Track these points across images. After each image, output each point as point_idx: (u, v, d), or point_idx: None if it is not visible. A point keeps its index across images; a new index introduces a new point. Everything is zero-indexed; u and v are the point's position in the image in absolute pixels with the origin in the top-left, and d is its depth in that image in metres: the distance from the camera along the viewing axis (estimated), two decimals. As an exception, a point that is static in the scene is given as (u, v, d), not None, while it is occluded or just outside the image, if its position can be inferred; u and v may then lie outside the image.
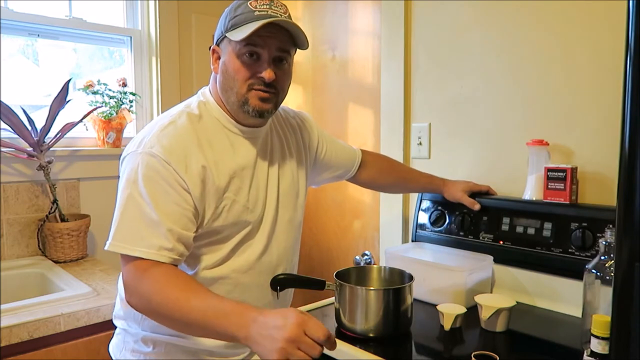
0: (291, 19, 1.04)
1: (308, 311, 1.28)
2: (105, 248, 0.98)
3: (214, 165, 1.03)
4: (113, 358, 1.18)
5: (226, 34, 1.02)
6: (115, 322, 1.19)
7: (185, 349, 1.11)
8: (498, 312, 1.15)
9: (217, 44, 1.07)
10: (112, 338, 1.23)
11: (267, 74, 1.01)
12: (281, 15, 1.01)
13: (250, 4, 1.01)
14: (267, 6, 1.01)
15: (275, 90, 1.05)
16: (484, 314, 1.16)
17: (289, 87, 1.10)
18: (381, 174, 1.48)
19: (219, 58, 1.07)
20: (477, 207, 1.44)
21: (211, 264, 1.07)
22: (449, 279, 1.31)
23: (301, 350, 0.76)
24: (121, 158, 1.05)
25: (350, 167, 1.40)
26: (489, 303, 1.16)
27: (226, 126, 1.08)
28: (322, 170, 1.35)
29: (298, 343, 0.77)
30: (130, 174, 0.98)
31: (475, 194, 1.46)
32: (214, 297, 0.88)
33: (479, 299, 1.19)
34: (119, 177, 1.05)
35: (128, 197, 0.97)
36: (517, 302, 1.36)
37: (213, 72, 1.10)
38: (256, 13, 0.99)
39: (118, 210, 0.99)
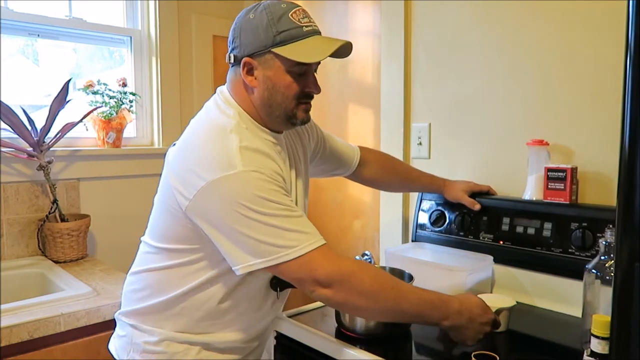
0: None
1: (307, 311, 1.28)
2: (283, 260, 0.93)
3: (281, 171, 1.03)
4: (116, 359, 1.16)
5: (273, 49, 0.99)
6: (124, 320, 1.15)
7: (203, 346, 1.11)
8: (498, 312, 1.15)
9: (251, 56, 1.01)
10: (110, 338, 1.21)
11: (316, 89, 1.06)
12: (317, 27, 1.03)
13: (292, 16, 0.99)
14: (307, 19, 1.02)
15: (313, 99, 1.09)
16: None
17: None
18: (383, 172, 1.48)
19: (250, 69, 1.02)
20: (477, 207, 1.44)
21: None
22: (449, 279, 1.31)
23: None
24: (197, 185, 0.95)
25: (348, 165, 1.41)
26: (489, 303, 1.16)
27: (263, 136, 1.06)
28: (321, 167, 1.37)
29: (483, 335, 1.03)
30: (245, 195, 0.93)
31: (475, 194, 1.46)
32: (419, 289, 1.02)
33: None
34: (192, 206, 0.98)
35: (266, 214, 0.93)
36: (517, 302, 1.36)
37: (243, 82, 1.05)
38: (305, 29, 1.00)
39: (258, 230, 0.93)
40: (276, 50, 0.99)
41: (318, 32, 1.02)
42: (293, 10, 1.00)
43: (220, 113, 1.06)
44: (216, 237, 0.97)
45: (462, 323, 1.01)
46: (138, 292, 1.12)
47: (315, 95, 1.09)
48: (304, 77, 1.04)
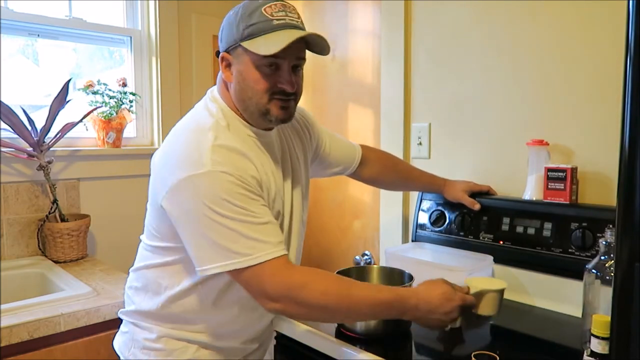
0: (302, 21, 1.03)
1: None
2: (233, 268, 0.93)
3: (262, 172, 1.03)
4: (121, 356, 1.18)
5: (242, 43, 0.98)
6: (125, 318, 1.18)
7: (201, 345, 1.13)
8: (479, 294, 1.11)
9: (228, 51, 1.02)
10: (115, 335, 1.23)
11: (289, 86, 1.01)
12: (297, 22, 1.00)
13: (265, 10, 0.98)
14: (283, 13, 0.98)
15: (294, 97, 1.05)
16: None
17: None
18: (383, 171, 1.47)
19: (229, 65, 1.04)
20: (477, 207, 1.44)
21: None
22: (449, 279, 1.30)
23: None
24: (169, 182, 0.97)
25: (350, 163, 1.40)
26: (476, 284, 1.13)
27: (248, 133, 1.06)
28: (322, 166, 1.36)
29: (457, 318, 1.03)
30: (210, 196, 0.93)
31: (475, 194, 1.46)
32: (373, 289, 1.01)
33: (469, 280, 1.16)
34: (165, 204, 0.99)
35: (227, 217, 0.93)
36: (516, 302, 1.36)
37: (223, 78, 1.07)
38: (274, 22, 0.97)
39: (220, 234, 0.93)
40: (244, 44, 0.98)
41: (294, 26, 0.98)
42: (268, 5, 0.98)
43: (204, 111, 1.06)
44: (182, 235, 0.98)
45: (421, 316, 1.00)
46: (137, 290, 1.14)
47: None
48: (277, 72, 1.01)
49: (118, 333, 1.22)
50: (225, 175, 0.94)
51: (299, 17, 1.01)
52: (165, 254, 1.08)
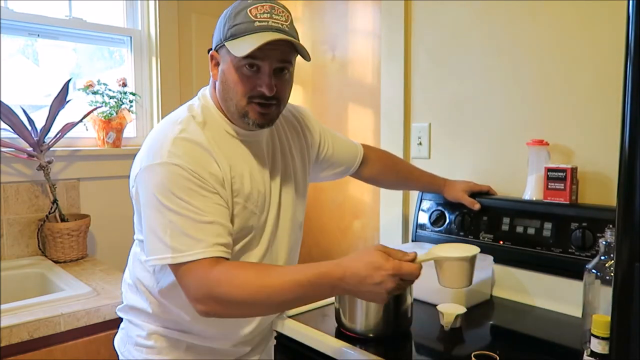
0: (293, 24, 1.01)
1: (307, 311, 1.28)
2: (163, 263, 0.94)
3: (228, 170, 1.02)
4: (119, 353, 1.20)
5: (225, 43, 0.98)
6: (121, 315, 1.21)
7: (189, 345, 1.13)
8: (438, 261, 0.95)
9: (216, 50, 1.03)
10: (116, 332, 1.25)
11: (268, 89, 0.98)
12: (282, 25, 0.97)
13: (250, 11, 0.96)
14: (268, 14, 0.96)
15: (276, 101, 1.02)
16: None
17: (290, 94, 1.07)
18: (384, 171, 1.47)
19: (217, 64, 1.04)
20: (477, 206, 1.44)
21: None
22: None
23: (401, 289, 0.89)
24: (136, 170, 1.01)
25: (352, 163, 1.39)
26: (436, 251, 0.96)
27: (228, 131, 1.07)
28: (324, 167, 1.34)
29: (398, 289, 0.87)
30: (157, 187, 0.95)
31: (475, 194, 1.46)
32: (293, 272, 0.90)
33: (434, 248, 0.99)
34: (131, 192, 1.05)
35: (167, 209, 0.93)
36: (516, 302, 1.36)
37: (211, 78, 1.08)
38: (256, 24, 0.95)
39: (159, 224, 0.94)
40: (227, 44, 0.98)
41: (276, 29, 0.96)
42: (254, 6, 0.97)
43: (185, 106, 1.08)
44: (142, 223, 1.01)
45: (351, 289, 0.88)
46: (130, 286, 1.17)
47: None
48: (257, 74, 0.99)
49: (119, 330, 1.25)
50: (177, 168, 0.94)
51: (286, 20, 0.99)
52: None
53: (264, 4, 0.97)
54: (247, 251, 1.08)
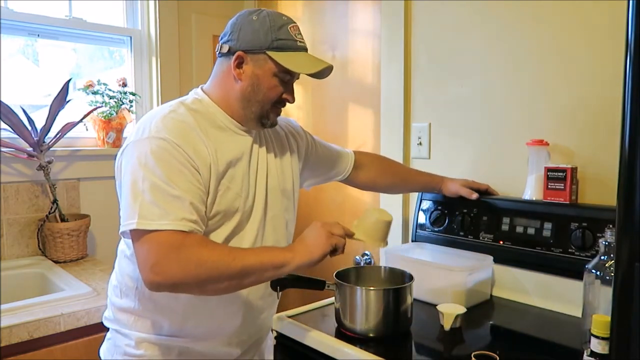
0: None
1: (307, 311, 1.28)
2: (128, 228, 0.95)
3: (214, 152, 1.06)
4: None
5: (268, 52, 1.06)
6: (108, 324, 1.19)
7: (181, 350, 1.13)
8: (359, 225, 1.16)
9: (246, 52, 1.07)
10: (102, 342, 1.23)
11: (293, 98, 1.14)
12: (306, 45, 1.12)
13: (290, 29, 1.09)
14: (300, 36, 1.11)
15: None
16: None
17: None
18: (381, 173, 1.48)
19: (240, 64, 1.08)
20: (474, 196, 1.43)
21: None
22: (449, 279, 1.31)
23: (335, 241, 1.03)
24: (122, 148, 1.06)
25: (343, 166, 1.43)
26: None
27: (219, 122, 1.11)
28: (314, 171, 1.38)
29: (332, 237, 1.03)
30: (140, 157, 0.98)
31: (474, 190, 1.46)
32: (252, 249, 1.05)
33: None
34: (116, 166, 1.08)
35: (143, 178, 0.96)
36: (517, 302, 1.36)
37: (224, 74, 1.11)
38: (299, 43, 1.09)
39: (133, 192, 0.97)
40: (271, 53, 1.06)
41: (307, 50, 1.12)
42: (291, 25, 1.10)
43: (176, 100, 1.13)
44: (121, 195, 1.02)
45: (302, 246, 1.01)
46: (115, 289, 1.17)
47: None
48: (286, 85, 1.12)
49: (104, 340, 1.22)
50: (162, 142, 0.99)
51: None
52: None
53: (294, 24, 1.11)
54: (236, 234, 1.11)
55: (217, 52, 1.14)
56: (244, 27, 1.08)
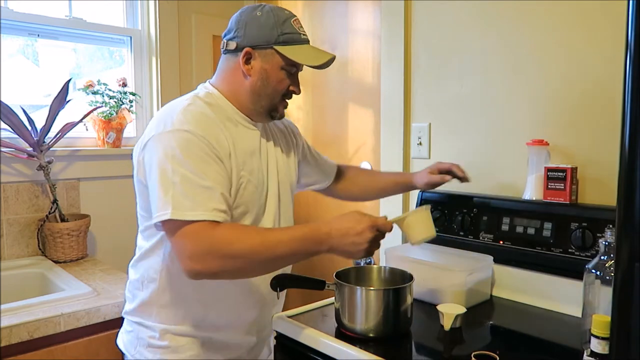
0: None
1: (307, 311, 1.28)
2: (161, 219, 0.97)
3: (233, 144, 1.09)
4: (128, 355, 1.20)
5: (275, 47, 1.09)
6: (129, 318, 1.21)
7: (204, 339, 1.16)
8: (402, 220, 1.12)
9: (253, 47, 1.10)
10: (118, 335, 1.26)
11: (298, 89, 1.17)
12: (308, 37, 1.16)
13: (293, 23, 1.12)
14: (302, 29, 1.15)
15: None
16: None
17: None
18: (353, 181, 1.51)
19: (249, 59, 1.11)
20: (447, 178, 1.36)
21: None
22: (449, 279, 1.31)
23: (377, 242, 1.02)
24: (142, 143, 1.07)
25: (326, 176, 1.46)
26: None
27: (230, 116, 1.14)
28: (301, 175, 1.40)
29: (375, 240, 1.01)
30: (167, 150, 1.00)
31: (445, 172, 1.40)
32: (285, 230, 1.06)
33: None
34: (135, 162, 1.08)
35: (173, 171, 0.98)
36: (517, 302, 1.36)
37: (231, 69, 1.14)
38: (302, 36, 1.13)
39: (163, 184, 0.98)
40: (278, 48, 1.10)
41: (309, 42, 1.15)
42: (294, 19, 1.13)
43: (188, 94, 1.15)
44: (148, 188, 1.03)
45: (335, 243, 1.00)
46: (137, 283, 1.18)
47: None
48: (292, 77, 1.15)
49: (122, 331, 1.24)
50: (187, 134, 1.01)
51: None
52: (151, 235, 1.12)
53: (295, 18, 1.14)
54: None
55: (223, 49, 1.15)
56: (249, 23, 1.11)
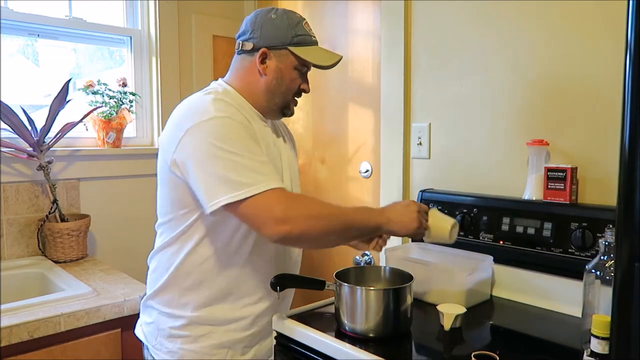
0: None
1: (307, 311, 1.28)
2: (243, 197, 1.00)
3: (256, 134, 1.14)
4: (149, 344, 1.23)
5: (289, 47, 1.16)
6: (150, 306, 1.23)
7: (224, 330, 1.19)
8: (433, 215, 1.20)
9: (269, 48, 1.17)
10: (136, 324, 1.30)
11: (309, 89, 1.24)
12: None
13: (304, 25, 1.20)
14: (312, 30, 1.22)
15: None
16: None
17: None
18: None
19: (264, 59, 1.17)
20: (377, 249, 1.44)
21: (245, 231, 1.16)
22: (449, 279, 1.31)
23: (422, 214, 1.16)
24: (179, 135, 1.07)
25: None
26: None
27: (249, 112, 1.19)
28: None
29: (420, 212, 1.15)
30: (217, 135, 1.04)
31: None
32: (350, 207, 1.13)
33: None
34: (176, 148, 1.08)
35: (230, 152, 1.02)
36: (517, 302, 1.36)
37: (247, 69, 1.19)
38: (313, 38, 1.21)
39: (224, 167, 1.02)
40: (292, 48, 1.17)
41: (318, 43, 1.23)
42: (304, 22, 1.21)
43: (204, 89, 1.19)
44: (193, 179, 1.06)
45: (391, 213, 1.13)
46: (154, 271, 1.22)
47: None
48: (303, 76, 1.22)
49: (140, 323, 1.28)
50: (228, 120, 1.07)
51: None
52: (173, 225, 1.16)
53: (305, 20, 1.21)
54: None
55: (238, 50, 1.21)
56: (265, 25, 1.17)
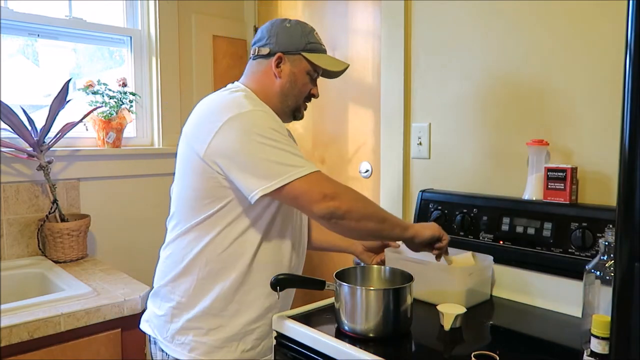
0: None
1: (307, 311, 1.28)
2: (296, 177, 1.08)
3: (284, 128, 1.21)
4: (159, 337, 1.24)
5: (303, 53, 1.25)
6: (163, 297, 1.24)
7: (236, 324, 1.21)
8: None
9: (284, 53, 1.25)
10: (140, 321, 1.32)
11: (318, 94, 1.33)
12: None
13: (315, 35, 1.29)
14: (321, 39, 1.31)
15: None
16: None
17: None
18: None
19: (279, 63, 1.25)
20: (374, 262, 1.53)
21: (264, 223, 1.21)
22: (449, 279, 1.31)
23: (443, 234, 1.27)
24: (216, 127, 1.12)
25: None
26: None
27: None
28: None
29: (442, 230, 1.27)
30: (258, 127, 1.11)
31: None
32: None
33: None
34: (214, 138, 1.12)
35: (274, 139, 1.10)
36: (517, 302, 1.36)
37: (262, 72, 1.27)
38: (322, 47, 1.30)
39: (271, 153, 1.09)
40: (305, 54, 1.26)
41: (326, 52, 1.32)
42: (315, 32, 1.30)
43: (228, 90, 1.25)
44: (234, 169, 1.11)
45: (418, 228, 1.24)
46: (167, 259, 1.24)
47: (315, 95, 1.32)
48: (313, 82, 1.31)
49: (150, 316, 1.29)
50: (264, 114, 1.16)
51: None
52: (190, 216, 1.19)
53: (315, 30, 1.30)
54: (289, 219, 1.27)
55: (254, 54, 1.29)
56: (280, 32, 1.26)
